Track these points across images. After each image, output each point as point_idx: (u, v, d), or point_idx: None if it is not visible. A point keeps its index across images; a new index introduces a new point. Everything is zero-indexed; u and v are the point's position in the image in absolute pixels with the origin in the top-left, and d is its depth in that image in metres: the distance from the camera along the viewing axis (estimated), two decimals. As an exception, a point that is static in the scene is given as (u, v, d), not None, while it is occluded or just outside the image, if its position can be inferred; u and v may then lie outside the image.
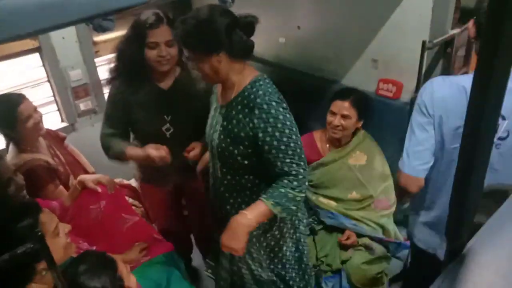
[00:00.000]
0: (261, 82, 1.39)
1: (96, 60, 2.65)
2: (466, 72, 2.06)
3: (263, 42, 2.53)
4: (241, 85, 1.40)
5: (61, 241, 1.34)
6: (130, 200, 2.06)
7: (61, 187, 1.96)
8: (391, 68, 1.99)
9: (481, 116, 0.52)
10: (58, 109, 2.64)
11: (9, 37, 1.03)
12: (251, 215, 1.33)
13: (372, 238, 2.00)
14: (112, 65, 1.78)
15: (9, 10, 0.98)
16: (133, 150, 1.73)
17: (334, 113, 1.97)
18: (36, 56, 2.45)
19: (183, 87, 1.79)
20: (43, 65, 2.50)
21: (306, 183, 1.40)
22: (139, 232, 1.92)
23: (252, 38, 1.41)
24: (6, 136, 1.92)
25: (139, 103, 1.73)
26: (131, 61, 1.68)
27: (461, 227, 0.60)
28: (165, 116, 1.77)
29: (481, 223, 0.68)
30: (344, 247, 2.00)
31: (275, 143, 1.32)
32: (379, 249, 1.98)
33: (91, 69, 2.61)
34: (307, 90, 2.35)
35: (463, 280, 0.59)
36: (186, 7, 2.96)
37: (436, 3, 1.74)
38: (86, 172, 2.18)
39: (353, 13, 2.04)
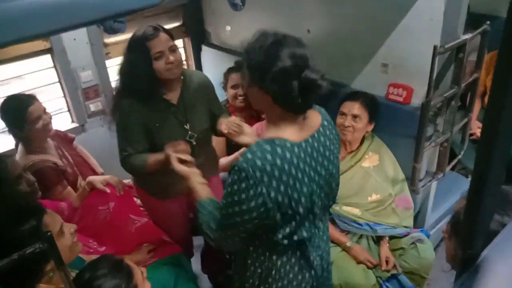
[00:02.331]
0: (269, 150, 1.14)
1: (106, 62, 2.66)
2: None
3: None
4: (265, 135, 1.24)
5: (66, 241, 1.35)
6: (139, 202, 2.06)
7: (69, 188, 1.98)
8: (401, 72, 1.97)
9: (497, 125, 0.51)
10: (69, 110, 2.66)
11: (21, 38, 1.04)
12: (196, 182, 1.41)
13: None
14: (117, 88, 1.75)
15: (21, 12, 0.99)
16: (152, 157, 1.69)
17: (344, 114, 1.97)
18: (47, 57, 2.48)
19: (189, 97, 1.80)
20: (54, 66, 2.52)
21: (213, 243, 1.31)
22: (147, 234, 1.93)
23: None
24: (16, 136, 1.94)
25: (156, 121, 1.71)
26: (142, 79, 1.65)
27: (476, 236, 0.59)
28: (185, 126, 1.78)
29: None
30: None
31: (223, 197, 1.22)
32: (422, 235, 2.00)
33: (102, 71, 2.63)
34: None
35: (478, 290, 0.58)
36: (196, 11, 2.97)
37: (448, 7, 1.72)
38: (95, 173, 2.20)
39: (363, 17, 2.03)
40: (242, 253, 1.39)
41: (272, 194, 1.14)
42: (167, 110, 1.76)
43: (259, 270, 1.36)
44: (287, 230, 1.23)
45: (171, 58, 1.65)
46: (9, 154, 1.93)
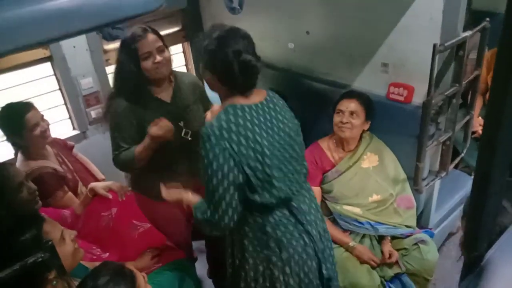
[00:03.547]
0: (223, 112, 1.35)
1: (106, 68, 2.67)
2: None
3: (272, 47, 2.52)
4: (219, 109, 1.42)
5: (68, 248, 1.35)
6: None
7: (69, 193, 1.98)
8: (401, 72, 1.97)
9: (498, 126, 0.50)
10: (70, 117, 2.66)
11: (20, 47, 1.04)
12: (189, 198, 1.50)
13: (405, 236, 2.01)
14: (112, 89, 1.81)
15: (20, 20, 0.99)
16: (139, 146, 1.74)
17: (341, 111, 1.98)
18: (47, 65, 2.48)
19: (182, 97, 1.85)
20: (55, 74, 2.52)
21: (217, 229, 1.41)
22: (150, 239, 1.92)
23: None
24: (14, 144, 1.95)
25: (150, 120, 1.73)
26: (131, 79, 1.71)
27: (479, 238, 0.58)
28: (179, 123, 1.81)
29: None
30: (387, 264, 1.95)
31: (204, 173, 1.35)
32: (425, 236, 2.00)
33: (102, 77, 2.63)
34: (317, 95, 2.34)
35: (482, 292, 0.57)
36: (195, 15, 2.97)
37: (447, 5, 1.72)
38: (96, 179, 2.20)
39: (362, 17, 2.02)
40: (237, 236, 1.52)
41: (235, 148, 1.31)
42: (161, 109, 1.79)
43: (258, 245, 1.48)
44: (266, 186, 1.37)
45: (158, 58, 1.70)
46: (11, 162, 1.94)
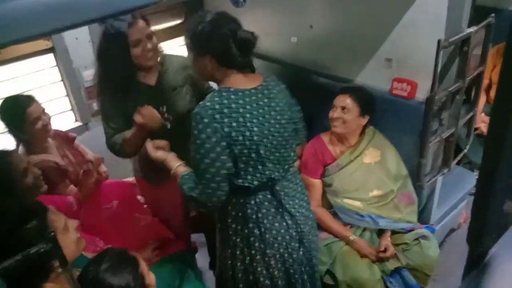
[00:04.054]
0: (217, 94, 1.39)
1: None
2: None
3: (275, 41, 2.51)
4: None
5: (71, 236, 1.35)
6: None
7: (71, 186, 1.99)
8: (405, 67, 1.96)
9: (505, 123, 0.49)
10: (72, 109, 2.66)
11: (22, 38, 1.04)
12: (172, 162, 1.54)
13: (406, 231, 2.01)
14: (96, 74, 1.79)
15: (21, 11, 0.98)
16: (127, 132, 1.74)
17: (335, 107, 2.00)
18: (50, 56, 2.47)
19: (168, 79, 1.84)
20: (57, 66, 2.52)
21: (204, 206, 1.45)
22: (152, 232, 1.93)
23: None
24: (16, 137, 1.95)
25: (132, 104, 1.74)
26: (118, 65, 1.69)
27: (483, 233, 0.58)
28: (161, 108, 1.78)
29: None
30: (380, 259, 1.95)
31: (194, 152, 1.38)
32: (426, 232, 2.01)
33: (104, 69, 2.62)
34: (320, 89, 2.33)
35: (485, 288, 0.57)
36: (198, 8, 2.96)
37: (452, 1, 1.70)
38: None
39: (366, 12, 2.01)
40: (222, 214, 1.58)
41: (226, 129, 1.34)
42: (144, 93, 1.78)
43: (238, 224, 1.54)
44: (249, 170, 1.42)
45: (149, 45, 1.69)
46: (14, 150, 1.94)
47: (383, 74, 2.04)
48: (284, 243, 1.55)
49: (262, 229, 1.52)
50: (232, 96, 1.38)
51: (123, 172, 2.22)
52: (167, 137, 1.71)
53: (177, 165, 1.52)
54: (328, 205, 2.08)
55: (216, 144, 1.34)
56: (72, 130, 2.49)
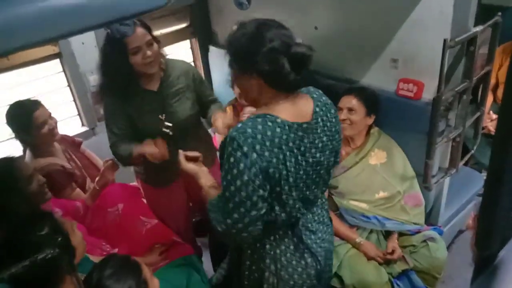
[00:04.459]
0: (256, 119, 1.18)
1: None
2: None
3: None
4: (256, 112, 1.25)
5: (78, 237, 1.36)
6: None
7: (78, 189, 2.00)
8: (411, 67, 1.94)
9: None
10: (79, 114, 2.67)
11: (30, 43, 1.05)
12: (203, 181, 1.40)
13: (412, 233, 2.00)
14: (99, 81, 1.81)
15: (29, 17, 0.99)
16: (136, 148, 1.76)
17: (340, 109, 1.98)
18: (56, 62, 2.49)
19: (170, 86, 1.83)
20: (64, 71, 2.54)
21: (230, 240, 1.35)
22: (158, 235, 1.94)
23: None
24: (22, 141, 1.97)
25: (135, 110, 1.75)
26: (119, 73, 1.70)
27: (492, 237, 0.57)
28: (160, 116, 1.78)
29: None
30: (387, 261, 1.93)
31: (227, 182, 1.20)
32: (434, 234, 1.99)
33: (110, 74, 2.64)
34: (325, 90, 2.31)
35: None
36: (203, 11, 2.97)
37: (458, 0, 1.69)
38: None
39: (371, 12, 2.00)
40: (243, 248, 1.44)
41: (264, 164, 1.16)
42: (147, 99, 1.79)
43: (254, 254, 1.40)
44: (276, 208, 1.25)
45: (148, 52, 1.68)
46: (20, 155, 1.96)
47: (389, 75, 2.03)
48: (300, 282, 1.41)
49: (279, 266, 1.38)
50: (277, 129, 1.18)
51: (128, 175, 2.23)
52: (169, 144, 1.73)
53: (208, 185, 1.38)
54: (334, 207, 2.07)
55: (255, 176, 1.15)
56: (79, 135, 2.50)
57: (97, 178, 1.92)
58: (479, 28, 1.79)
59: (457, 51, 1.83)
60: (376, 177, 2.01)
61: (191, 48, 3.20)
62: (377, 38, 2.02)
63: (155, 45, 1.72)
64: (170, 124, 1.78)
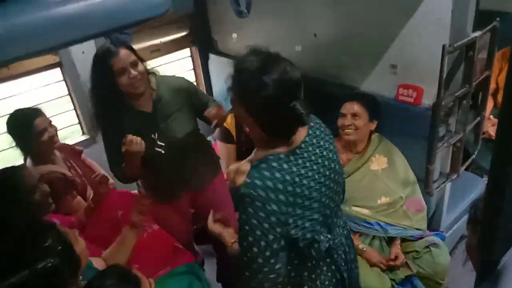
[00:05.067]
0: (259, 165, 1.13)
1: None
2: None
3: (280, 50, 2.51)
4: (256, 157, 1.20)
5: (81, 245, 1.35)
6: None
7: (78, 197, 2.01)
8: (411, 73, 1.95)
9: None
10: (79, 123, 2.68)
11: (30, 53, 1.05)
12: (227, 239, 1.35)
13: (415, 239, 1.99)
14: (92, 110, 1.79)
15: (29, 27, 1.00)
16: (125, 164, 1.74)
17: (344, 115, 1.99)
18: (57, 71, 2.50)
19: (165, 106, 1.82)
20: (64, 80, 2.55)
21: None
22: (159, 241, 1.93)
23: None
24: (23, 150, 1.97)
25: (128, 132, 1.71)
26: (109, 96, 1.70)
27: (495, 242, 0.57)
28: (153, 135, 1.78)
29: None
30: (390, 267, 1.92)
31: (244, 239, 1.16)
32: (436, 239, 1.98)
33: (111, 82, 2.65)
34: (325, 97, 2.31)
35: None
36: (202, 20, 2.99)
37: (456, 5, 1.70)
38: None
39: (370, 19, 2.01)
40: None
41: (283, 208, 1.11)
42: (139, 121, 1.77)
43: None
44: (308, 236, 1.18)
45: (134, 72, 1.67)
46: (24, 165, 1.96)
47: (388, 81, 2.04)
48: None
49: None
50: (285, 166, 1.13)
51: (129, 185, 2.23)
52: (163, 163, 1.75)
53: (232, 242, 1.34)
54: None
55: (270, 229, 1.11)
56: (80, 143, 2.51)
57: (91, 196, 1.90)
58: (477, 33, 1.80)
59: (456, 56, 1.83)
60: (377, 183, 2.01)
61: (191, 56, 3.22)
62: (376, 44, 2.03)
63: (141, 65, 1.71)
64: (162, 144, 1.78)
